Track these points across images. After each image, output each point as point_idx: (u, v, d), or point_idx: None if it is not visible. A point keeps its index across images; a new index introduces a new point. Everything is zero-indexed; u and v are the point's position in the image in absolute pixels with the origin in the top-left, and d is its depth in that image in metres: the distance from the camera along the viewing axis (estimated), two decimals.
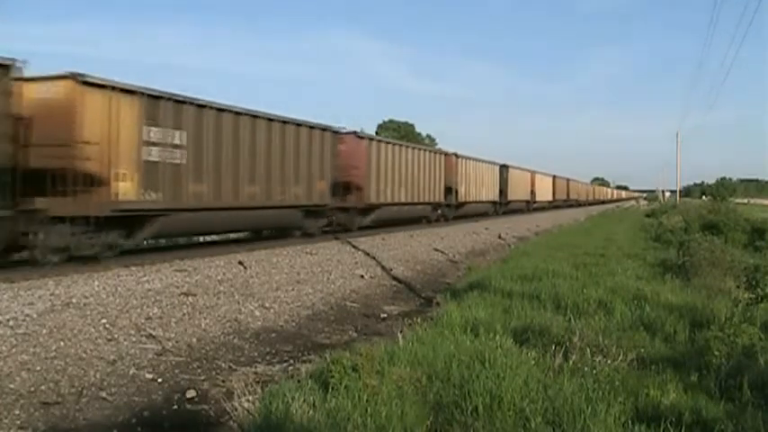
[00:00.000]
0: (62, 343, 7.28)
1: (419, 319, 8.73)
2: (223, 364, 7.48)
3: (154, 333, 8.13)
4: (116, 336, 7.82)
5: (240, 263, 13.16)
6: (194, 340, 8.23)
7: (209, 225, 15.72)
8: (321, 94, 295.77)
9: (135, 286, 10.13)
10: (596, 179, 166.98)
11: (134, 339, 7.85)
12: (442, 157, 31.19)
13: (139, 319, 8.57)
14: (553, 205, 62.24)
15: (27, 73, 10.98)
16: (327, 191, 19.90)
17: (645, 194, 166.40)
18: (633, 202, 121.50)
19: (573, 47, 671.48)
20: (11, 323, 7.60)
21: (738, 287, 9.55)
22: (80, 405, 5.94)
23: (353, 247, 17.83)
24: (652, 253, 16.93)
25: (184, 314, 9.12)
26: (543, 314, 8.06)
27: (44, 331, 7.51)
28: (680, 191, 75.61)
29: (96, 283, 10.09)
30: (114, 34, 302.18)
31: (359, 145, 22.41)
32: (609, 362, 5.84)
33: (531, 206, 51.27)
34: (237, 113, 15.58)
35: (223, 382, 6.84)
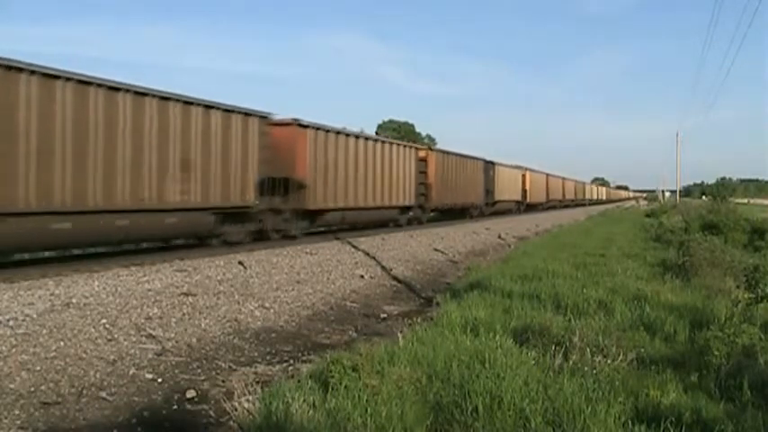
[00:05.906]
0: (62, 343, 7.28)
1: (419, 319, 8.73)
2: (223, 364, 7.47)
3: (154, 333, 8.13)
4: (116, 336, 7.82)
5: (240, 263, 13.16)
6: (194, 340, 8.23)
7: (350, 219, 21.70)
8: (321, 94, 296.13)
9: (135, 286, 10.13)
10: (596, 179, 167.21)
11: (134, 339, 7.84)
12: (482, 163, 37.55)
13: (139, 319, 8.57)
14: (563, 204, 67.96)
15: None
16: (413, 193, 26.69)
17: (645, 194, 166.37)
18: (633, 202, 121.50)
19: (572, 47, 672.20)
20: (11, 323, 7.60)
21: (738, 287, 9.55)
22: (80, 405, 5.94)
23: (353, 247, 17.83)
24: (652, 253, 16.91)
25: (184, 314, 9.12)
26: (543, 314, 8.03)
27: (44, 331, 7.51)
28: (680, 191, 75.62)
29: (96, 283, 10.10)
30: (114, 34, 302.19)
31: (431, 157, 29.09)
32: (609, 362, 5.83)
33: (545, 205, 57.57)
34: (366, 139, 22.92)
35: (223, 382, 6.84)
